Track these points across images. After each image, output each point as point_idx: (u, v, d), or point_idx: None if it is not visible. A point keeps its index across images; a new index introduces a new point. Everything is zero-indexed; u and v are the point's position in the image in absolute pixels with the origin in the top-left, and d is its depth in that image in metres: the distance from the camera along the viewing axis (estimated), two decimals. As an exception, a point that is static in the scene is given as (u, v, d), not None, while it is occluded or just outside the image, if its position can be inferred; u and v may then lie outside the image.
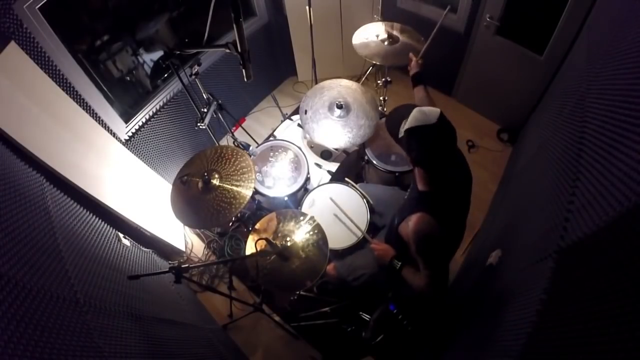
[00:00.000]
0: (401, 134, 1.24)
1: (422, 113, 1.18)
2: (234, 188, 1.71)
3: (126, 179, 2.19)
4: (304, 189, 2.11)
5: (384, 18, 2.96)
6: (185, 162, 1.92)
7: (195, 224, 1.97)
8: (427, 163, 1.24)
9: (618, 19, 1.26)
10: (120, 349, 1.10)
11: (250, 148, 2.26)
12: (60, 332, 0.87)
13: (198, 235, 2.74)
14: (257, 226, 1.68)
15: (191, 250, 2.66)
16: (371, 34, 2.33)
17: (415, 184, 1.35)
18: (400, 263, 1.45)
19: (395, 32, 2.31)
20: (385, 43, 2.26)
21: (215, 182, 1.75)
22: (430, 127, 1.15)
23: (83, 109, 1.96)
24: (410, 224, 1.26)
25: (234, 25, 1.41)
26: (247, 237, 1.68)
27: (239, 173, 1.77)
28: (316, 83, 2.46)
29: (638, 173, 0.65)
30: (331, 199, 1.90)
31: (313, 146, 2.37)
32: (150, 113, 2.40)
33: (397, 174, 2.07)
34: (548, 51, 2.34)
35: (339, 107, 2.07)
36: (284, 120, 2.53)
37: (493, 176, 2.77)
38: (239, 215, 2.25)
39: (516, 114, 2.81)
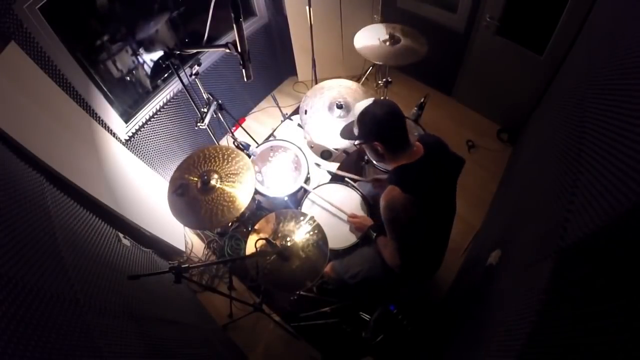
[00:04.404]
0: (356, 129, 1.36)
1: (359, 103, 1.35)
2: (234, 190, 1.71)
3: (126, 179, 2.19)
4: (304, 189, 2.11)
5: (384, 18, 2.97)
6: (177, 166, 1.82)
7: (195, 224, 1.95)
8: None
9: (618, 18, 1.26)
10: (120, 349, 1.10)
11: (250, 148, 2.25)
12: (60, 332, 0.87)
13: (198, 235, 2.74)
14: (257, 226, 1.68)
15: (191, 250, 2.66)
16: (373, 35, 2.33)
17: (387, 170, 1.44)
18: (375, 234, 1.61)
19: (396, 33, 2.31)
20: (387, 43, 2.26)
21: (215, 183, 1.73)
22: (372, 104, 1.32)
23: (83, 109, 1.96)
24: (382, 195, 1.34)
25: (234, 25, 1.41)
26: (247, 237, 1.68)
27: (237, 173, 1.76)
28: (316, 83, 2.46)
29: (638, 173, 0.65)
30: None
31: (313, 146, 2.37)
32: (150, 113, 2.40)
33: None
34: (548, 51, 2.34)
35: (339, 107, 2.06)
36: (284, 120, 2.53)
37: (493, 176, 2.76)
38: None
39: (516, 114, 2.81)
